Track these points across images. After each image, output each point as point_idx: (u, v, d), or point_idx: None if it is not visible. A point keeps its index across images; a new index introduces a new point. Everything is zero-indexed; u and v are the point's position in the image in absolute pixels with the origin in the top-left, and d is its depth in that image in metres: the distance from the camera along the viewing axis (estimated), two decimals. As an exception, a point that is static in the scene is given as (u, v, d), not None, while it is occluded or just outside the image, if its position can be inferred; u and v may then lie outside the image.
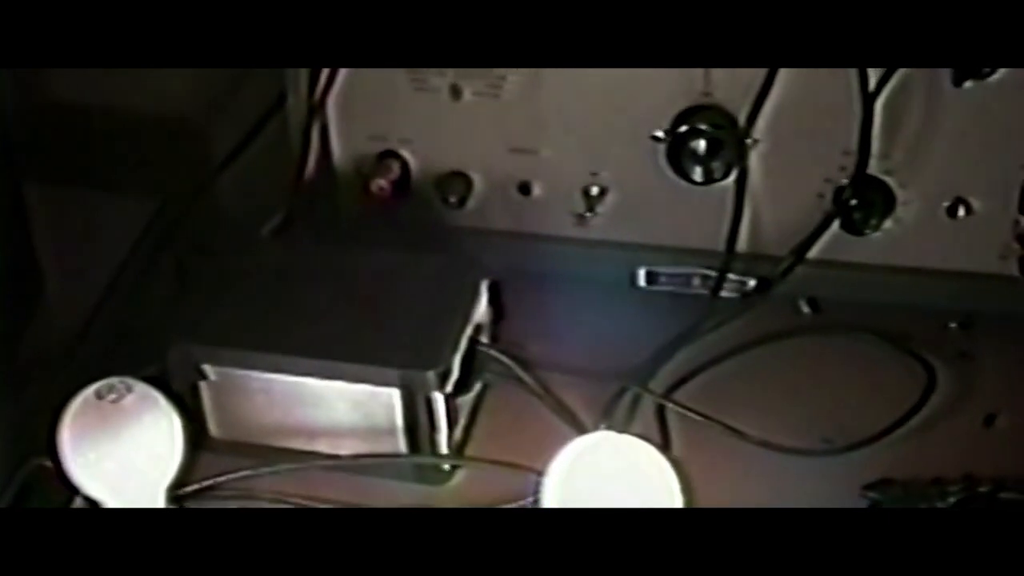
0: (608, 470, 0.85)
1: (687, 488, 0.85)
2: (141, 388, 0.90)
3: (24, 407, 1.06)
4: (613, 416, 1.01)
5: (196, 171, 1.26)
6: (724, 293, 1.09)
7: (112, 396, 0.89)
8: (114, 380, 0.90)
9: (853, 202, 1.05)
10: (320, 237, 1.13)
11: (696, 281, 1.10)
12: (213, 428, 1.02)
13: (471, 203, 1.11)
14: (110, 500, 0.90)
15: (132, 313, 1.15)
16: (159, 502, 0.91)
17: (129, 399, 0.89)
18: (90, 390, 0.89)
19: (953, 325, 1.09)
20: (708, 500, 0.96)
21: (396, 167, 1.10)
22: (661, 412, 1.02)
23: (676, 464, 0.85)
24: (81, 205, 1.25)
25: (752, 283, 1.09)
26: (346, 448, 1.00)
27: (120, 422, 0.88)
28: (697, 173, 1.05)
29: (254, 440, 1.01)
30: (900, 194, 1.05)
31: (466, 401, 1.03)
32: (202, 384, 1.00)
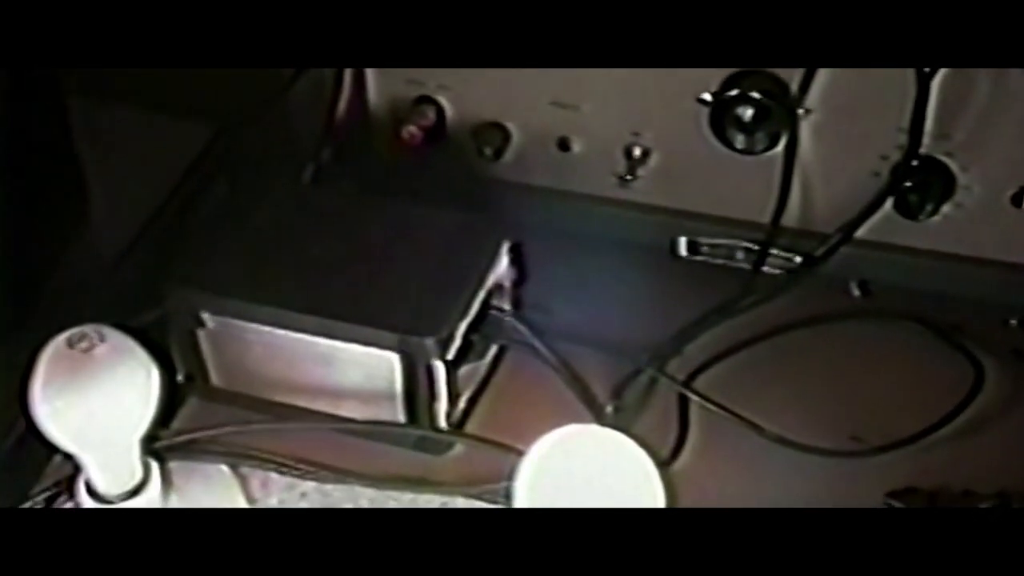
0: (589, 466, 0.79)
1: (671, 499, 0.79)
2: (116, 337, 0.85)
3: (55, 331, 1.04)
4: (623, 398, 0.95)
5: (253, 96, 1.21)
6: (767, 269, 1.02)
7: (83, 344, 0.84)
8: (87, 328, 0.85)
9: (909, 184, 0.97)
10: (352, 181, 1.08)
11: (740, 254, 1.04)
12: (214, 378, 0.98)
13: (507, 156, 1.05)
14: (78, 451, 0.86)
15: (178, 240, 1.12)
16: (133, 456, 0.87)
17: (101, 348, 0.84)
18: (61, 337, 0.85)
19: (1013, 322, 1.01)
20: (716, 497, 0.91)
21: (431, 113, 1.05)
22: (683, 398, 0.96)
23: (663, 470, 0.79)
24: (131, 126, 1.22)
25: (798, 260, 1.02)
26: (346, 408, 0.96)
27: (90, 372, 0.84)
28: (739, 141, 0.98)
29: (254, 393, 0.98)
30: (961, 177, 0.97)
31: (479, 366, 0.98)
32: (201, 332, 0.96)
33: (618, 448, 0.79)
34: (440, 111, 1.05)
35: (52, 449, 0.87)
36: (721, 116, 0.98)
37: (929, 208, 0.98)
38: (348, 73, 1.06)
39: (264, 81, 1.22)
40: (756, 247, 1.02)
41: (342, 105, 1.06)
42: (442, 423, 0.94)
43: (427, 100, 1.05)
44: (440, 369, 0.92)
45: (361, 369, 0.94)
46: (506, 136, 1.05)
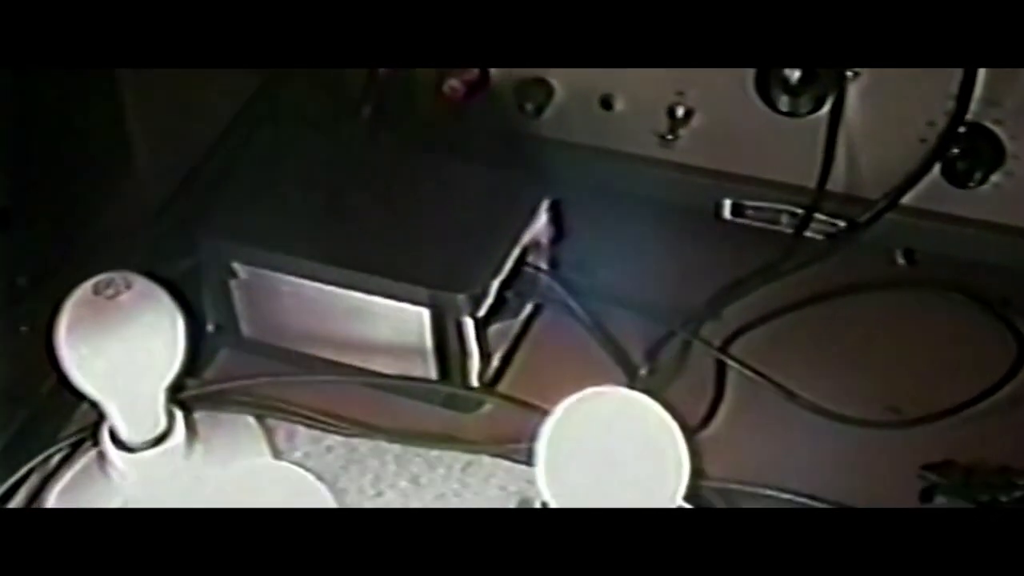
0: (612, 430, 0.77)
1: (696, 465, 0.77)
2: (142, 284, 0.84)
3: (92, 274, 1.03)
4: (657, 361, 0.94)
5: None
6: (811, 234, 1.00)
7: (109, 291, 0.84)
8: (114, 275, 0.85)
9: (955, 150, 0.95)
10: (392, 134, 1.07)
11: (785, 218, 1.02)
12: (245, 328, 0.98)
13: (548, 112, 1.03)
14: (103, 399, 0.86)
15: (222, 188, 1.11)
16: (158, 405, 0.87)
17: (127, 295, 0.84)
18: (87, 284, 0.84)
19: (1061, 296, 0.98)
20: (750, 465, 0.89)
21: (476, 69, 1.03)
22: (719, 362, 0.95)
23: (689, 436, 0.77)
24: (177, 74, 1.21)
25: (843, 227, 1.00)
26: (375, 363, 0.95)
27: (116, 318, 0.83)
28: (783, 102, 0.96)
29: (284, 344, 0.97)
30: (1010, 146, 0.95)
31: (513, 324, 0.96)
32: (232, 282, 0.95)
33: (644, 412, 0.78)
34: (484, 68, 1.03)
35: (79, 396, 0.87)
36: (767, 77, 0.96)
37: (978, 176, 0.96)
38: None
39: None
40: (801, 211, 1.00)
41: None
42: (474, 381, 0.93)
43: (471, 53, 1.03)
44: (470, 326, 0.91)
45: (391, 324, 0.93)
46: (549, 92, 1.03)
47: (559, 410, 0.78)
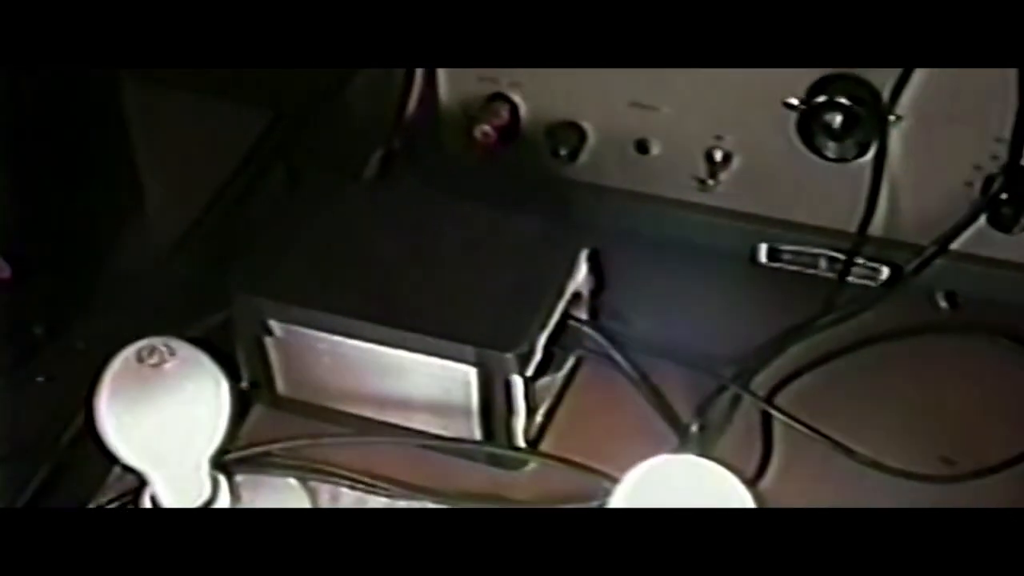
0: (684, 498, 0.76)
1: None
2: (185, 351, 0.82)
3: (110, 324, 1.01)
4: (707, 416, 0.92)
5: (314, 84, 1.18)
6: (851, 279, 0.98)
7: (153, 360, 0.81)
8: (156, 341, 0.82)
9: (1003, 196, 0.93)
10: (421, 180, 1.05)
11: (823, 263, 1.00)
12: (280, 386, 0.95)
13: (583, 157, 1.01)
14: (148, 469, 0.83)
15: (235, 231, 1.09)
16: (203, 472, 0.84)
17: (171, 363, 0.81)
18: (130, 351, 0.82)
19: (1109, 342, 0.97)
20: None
21: (505, 112, 1.01)
22: (765, 414, 0.93)
23: (761, 501, 0.76)
24: (185, 111, 1.18)
25: (885, 271, 0.98)
26: (417, 421, 0.92)
27: (160, 387, 0.81)
28: (830, 149, 0.95)
29: (321, 402, 0.94)
30: (1056, 189, 0.94)
31: (556, 378, 0.94)
32: (268, 340, 0.93)
33: (714, 478, 0.76)
34: (514, 109, 1.01)
35: (113, 460, 0.84)
36: (809, 122, 0.94)
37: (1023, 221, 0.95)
38: (419, 70, 1.02)
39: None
40: (840, 255, 0.99)
41: (412, 102, 1.02)
42: (519, 439, 0.91)
43: (500, 98, 1.01)
44: (519, 384, 0.89)
45: (434, 382, 0.90)
46: (582, 136, 1.01)
47: (629, 478, 0.76)
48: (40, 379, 0.97)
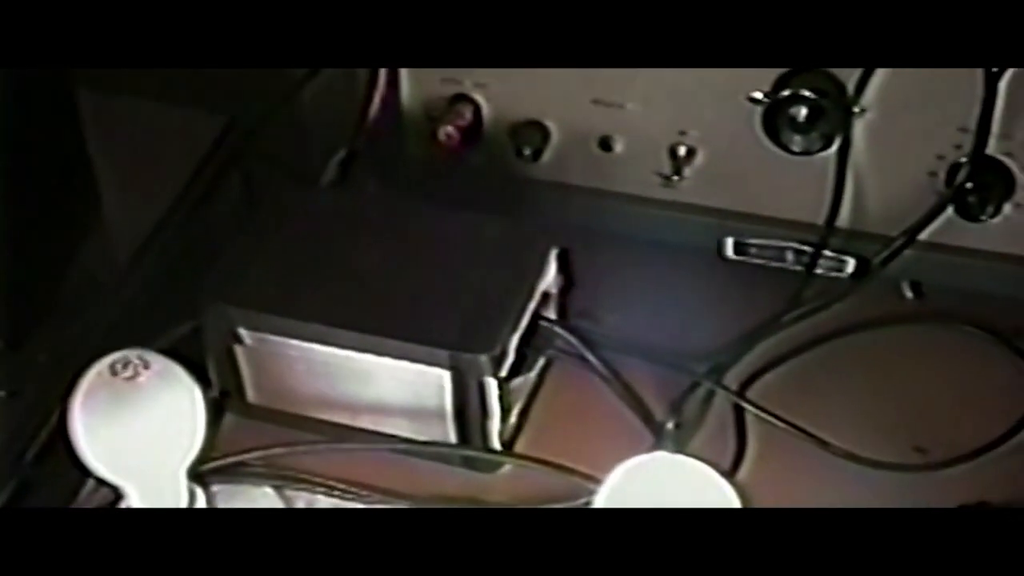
0: (668, 498, 0.76)
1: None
2: (159, 363, 0.81)
3: (72, 336, 1.00)
4: (683, 413, 0.92)
5: (270, 90, 1.17)
6: (820, 271, 0.98)
7: (127, 372, 0.81)
8: (130, 354, 0.81)
9: (969, 185, 0.94)
10: (383, 183, 1.04)
11: (790, 256, 1.00)
12: (251, 394, 0.94)
13: (547, 156, 1.01)
14: (123, 483, 0.82)
15: (193, 237, 1.08)
16: (179, 484, 0.83)
17: (145, 375, 0.81)
18: (104, 364, 0.81)
19: (1080, 328, 0.98)
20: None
21: (468, 113, 1.01)
22: (738, 408, 0.93)
23: (743, 496, 0.76)
24: (139, 117, 1.17)
25: (851, 263, 0.98)
26: (391, 426, 0.92)
27: (135, 401, 0.80)
28: (795, 142, 0.95)
29: (293, 410, 0.94)
30: (1021, 177, 0.94)
31: (527, 379, 0.94)
32: (238, 348, 0.92)
33: (700, 478, 0.76)
34: (477, 110, 1.01)
35: (86, 473, 0.83)
36: (774, 116, 0.95)
37: (990, 209, 0.95)
38: (382, 71, 1.01)
39: (276, 72, 1.17)
40: (806, 248, 0.99)
41: (375, 104, 1.02)
42: (495, 442, 0.91)
43: (463, 98, 1.01)
44: (493, 386, 0.88)
45: (407, 386, 0.90)
46: (545, 135, 1.01)
47: (612, 478, 0.76)
48: (2, 394, 0.96)
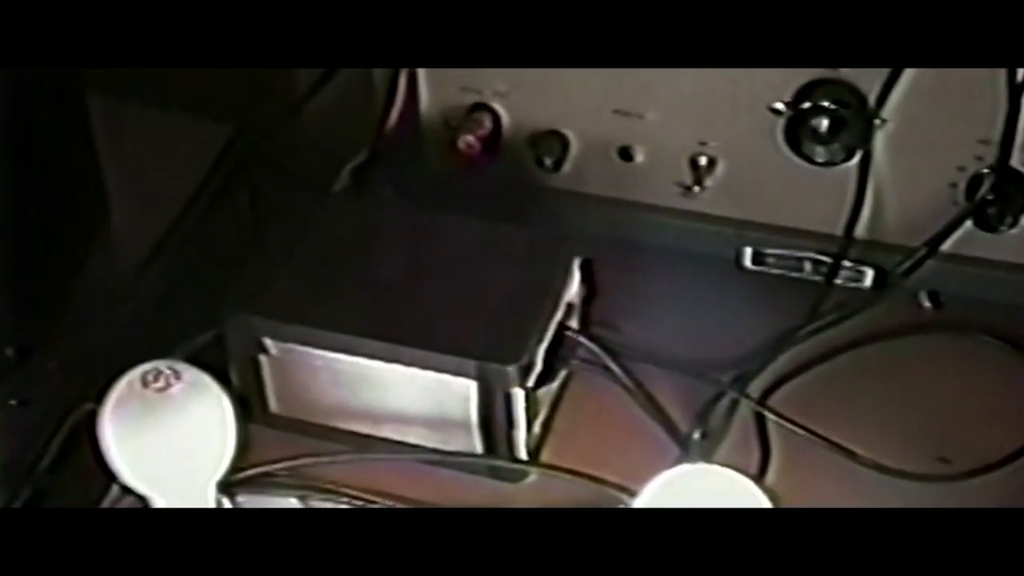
0: (701, 504, 0.76)
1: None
2: (191, 374, 0.81)
3: (82, 344, 1.00)
4: (708, 423, 0.92)
5: (278, 98, 1.16)
6: (840, 281, 0.99)
7: (158, 384, 0.80)
8: (162, 365, 0.81)
9: (989, 196, 0.94)
10: (401, 193, 1.04)
11: (808, 266, 1.00)
12: (274, 404, 0.94)
13: (567, 166, 1.01)
14: (152, 494, 0.82)
15: (202, 245, 1.07)
16: (208, 496, 0.83)
17: (177, 387, 0.80)
18: (135, 375, 0.81)
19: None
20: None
21: (487, 122, 1.01)
22: (760, 417, 0.93)
23: (776, 502, 0.76)
24: (148, 124, 1.16)
25: (870, 274, 0.99)
26: (414, 436, 0.92)
27: (167, 413, 0.80)
28: (818, 153, 0.95)
29: (317, 420, 0.93)
30: (1042, 189, 0.95)
31: (549, 390, 0.94)
32: (263, 358, 0.92)
33: (737, 489, 0.76)
34: (496, 119, 1.01)
35: (112, 478, 0.83)
36: (796, 127, 0.95)
37: (1008, 220, 0.95)
38: (402, 79, 1.01)
39: (285, 80, 1.17)
40: (824, 258, 0.99)
41: (395, 112, 1.02)
42: (521, 451, 0.91)
43: (482, 107, 1.01)
44: (520, 397, 0.88)
45: (432, 396, 0.90)
46: (564, 144, 1.01)
47: (649, 489, 0.76)
48: (13, 403, 0.96)
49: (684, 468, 0.77)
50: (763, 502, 0.76)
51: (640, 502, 0.76)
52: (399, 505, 0.90)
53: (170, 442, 0.81)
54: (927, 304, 1.01)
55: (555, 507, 0.89)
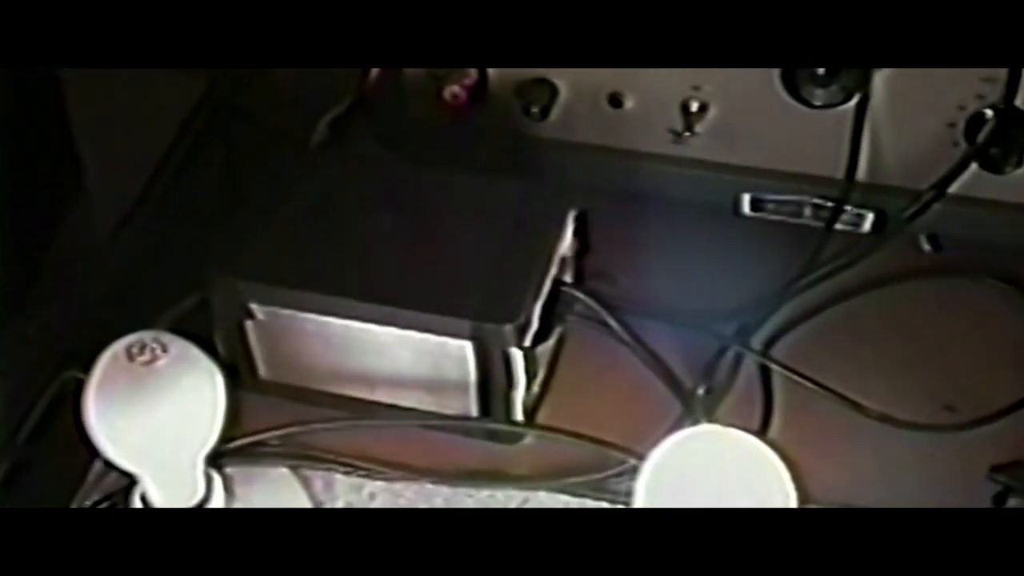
0: (716, 471, 0.73)
1: (802, 495, 0.73)
2: (178, 346, 0.78)
3: (59, 308, 0.97)
4: (712, 379, 0.89)
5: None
6: (841, 227, 0.96)
7: (145, 356, 0.77)
8: (147, 337, 0.78)
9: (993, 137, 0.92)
10: (384, 146, 1.01)
11: (808, 211, 0.98)
12: (263, 369, 0.91)
13: (555, 114, 0.98)
14: (140, 471, 0.79)
15: (180, 204, 1.04)
16: (197, 470, 0.80)
17: (164, 360, 0.77)
18: (119, 347, 0.77)
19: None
20: (812, 472, 0.85)
21: (473, 71, 0.97)
22: (765, 370, 0.91)
23: (789, 463, 0.73)
24: (125, 79, 1.13)
25: (870, 218, 0.96)
26: (409, 399, 0.89)
27: (154, 386, 0.77)
28: (816, 96, 0.92)
29: (308, 384, 0.91)
30: (1047, 129, 0.92)
31: (546, 347, 0.91)
32: (249, 323, 0.89)
33: (748, 450, 0.74)
34: (482, 68, 0.98)
35: (94, 453, 0.80)
36: (793, 70, 0.92)
37: (1013, 161, 0.93)
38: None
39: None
40: (825, 203, 0.96)
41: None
42: (519, 413, 0.88)
43: (467, 56, 0.98)
44: (518, 356, 0.85)
45: (427, 358, 0.87)
46: (553, 92, 0.97)
47: (657, 453, 0.74)
48: (-10, 373, 0.93)
49: (690, 431, 0.74)
50: (774, 462, 0.73)
51: (647, 467, 0.73)
52: (391, 471, 0.87)
53: (158, 418, 0.77)
54: (927, 247, 0.98)
55: (551, 469, 0.87)
